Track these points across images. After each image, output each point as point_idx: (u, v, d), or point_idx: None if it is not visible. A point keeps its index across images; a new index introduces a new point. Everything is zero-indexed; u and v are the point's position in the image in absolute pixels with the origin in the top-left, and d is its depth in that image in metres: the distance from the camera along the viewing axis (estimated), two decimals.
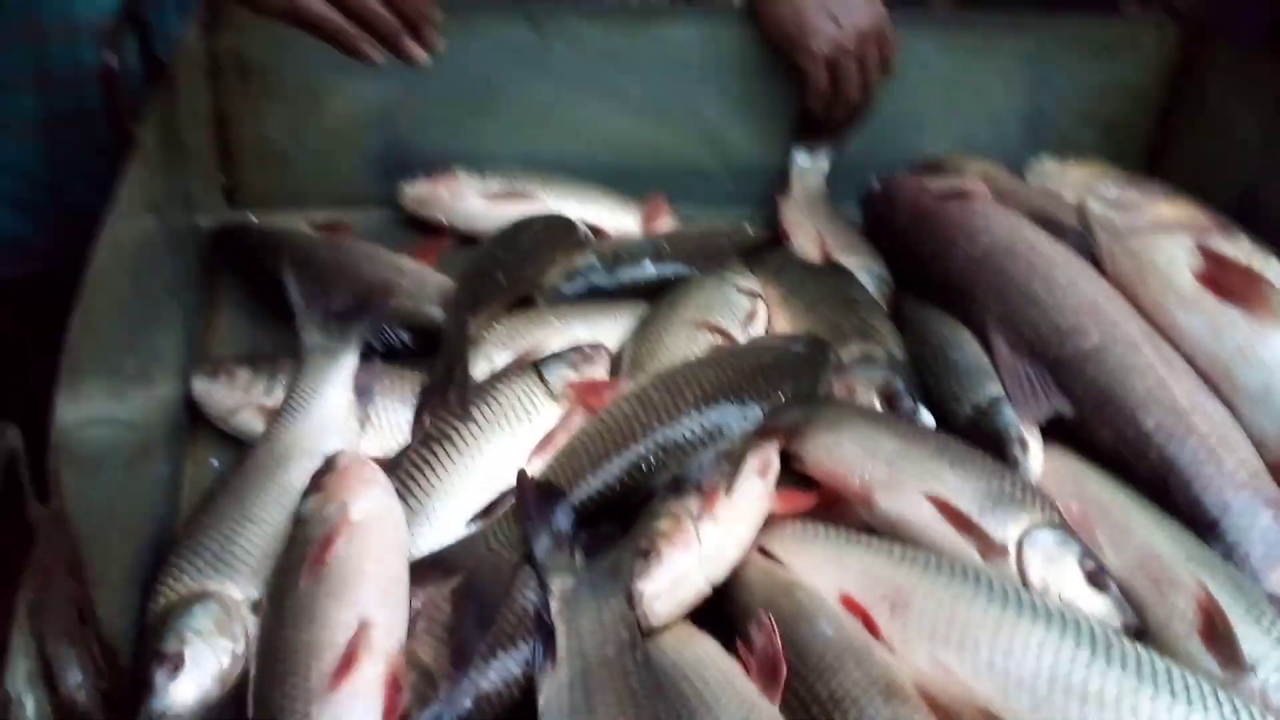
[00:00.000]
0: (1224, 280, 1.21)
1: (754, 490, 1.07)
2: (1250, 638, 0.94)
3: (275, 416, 1.15)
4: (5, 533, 0.74)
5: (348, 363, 1.20)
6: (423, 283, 1.37)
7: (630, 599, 0.94)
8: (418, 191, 1.56)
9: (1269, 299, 1.18)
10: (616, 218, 1.59)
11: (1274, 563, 1.05)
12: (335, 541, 0.92)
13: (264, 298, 1.41)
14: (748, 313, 1.36)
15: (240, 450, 1.17)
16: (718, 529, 1.01)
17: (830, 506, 1.14)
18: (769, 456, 1.12)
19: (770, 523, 1.09)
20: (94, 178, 1.37)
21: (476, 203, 1.54)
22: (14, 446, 0.75)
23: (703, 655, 0.95)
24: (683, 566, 0.97)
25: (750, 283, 1.42)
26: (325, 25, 1.10)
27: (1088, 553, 1.03)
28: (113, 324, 1.02)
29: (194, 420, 1.24)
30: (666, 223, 1.59)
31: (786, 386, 1.17)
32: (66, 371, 0.86)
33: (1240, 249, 1.24)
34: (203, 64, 1.46)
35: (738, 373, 1.16)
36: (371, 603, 0.89)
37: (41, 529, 0.78)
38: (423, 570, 0.98)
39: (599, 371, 1.20)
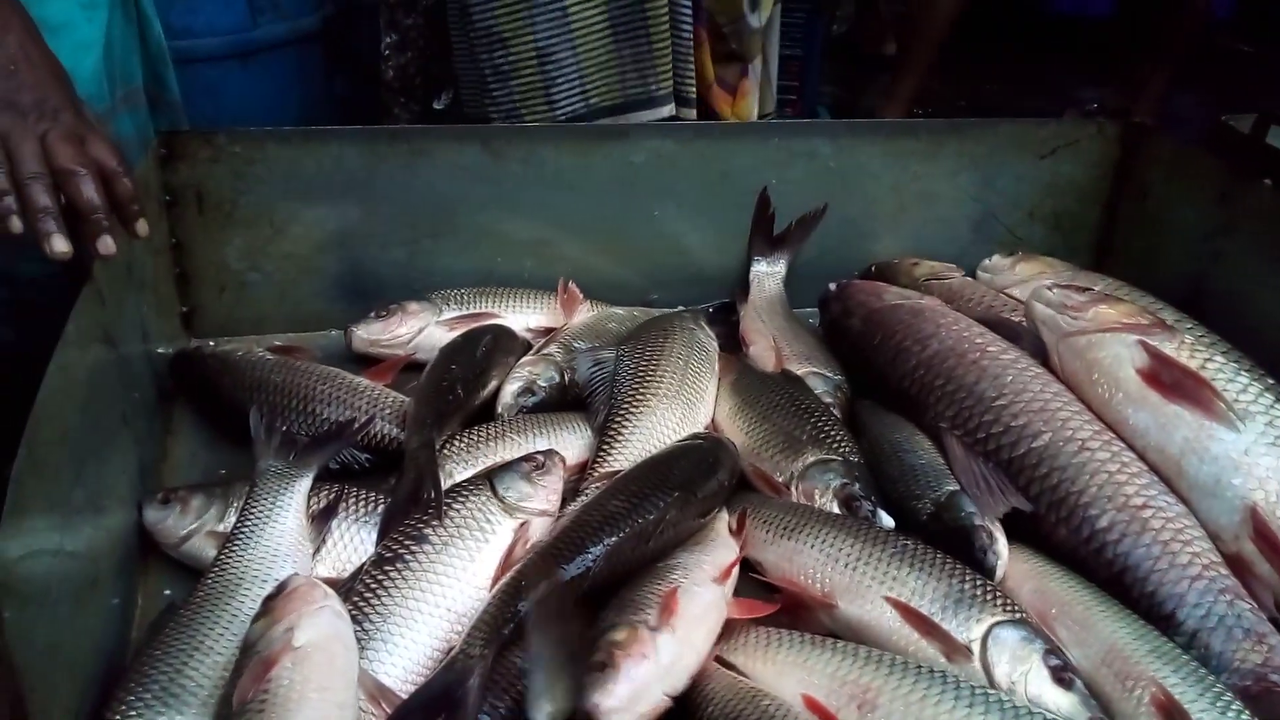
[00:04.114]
0: (1168, 379, 1.23)
1: (710, 597, 1.06)
2: None
3: (226, 543, 1.14)
4: None
5: (301, 487, 1.19)
6: (378, 402, 1.38)
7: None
8: (371, 333, 1.55)
9: (1213, 398, 1.19)
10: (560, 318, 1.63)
11: (1234, 644, 1.04)
12: (275, 666, 0.89)
13: (222, 423, 1.41)
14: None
15: (196, 579, 1.15)
16: (675, 638, 0.99)
17: (792, 613, 1.13)
18: (727, 563, 1.12)
19: (730, 631, 1.08)
20: None
21: (436, 331, 1.55)
22: None
23: None
24: (641, 678, 0.95)
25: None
26: None
27: (1052, 649, 1.02)
28: (60, 456, 1.01)
29: (147, 550, 1.22)
30: (583, 309, 1.62)
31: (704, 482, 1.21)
32: (10, 507, 0.85)
33: (1181, 346, 1.25)
34: (159, 195, 1.48)
35: (661, 477, 1.19)
36: None
37: None
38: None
39: (554, 480, 1.20)
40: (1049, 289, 1.37)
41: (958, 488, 1.22)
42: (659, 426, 1.33)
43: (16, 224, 1.05)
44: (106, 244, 1.09)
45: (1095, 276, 1.64)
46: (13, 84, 1.08)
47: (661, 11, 1.76)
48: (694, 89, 1.83)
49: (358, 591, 1.06)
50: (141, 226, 1.16)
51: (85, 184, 1.07)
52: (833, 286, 1.62)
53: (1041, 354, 1.35)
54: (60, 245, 1.05)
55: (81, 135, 1.10)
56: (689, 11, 1.78)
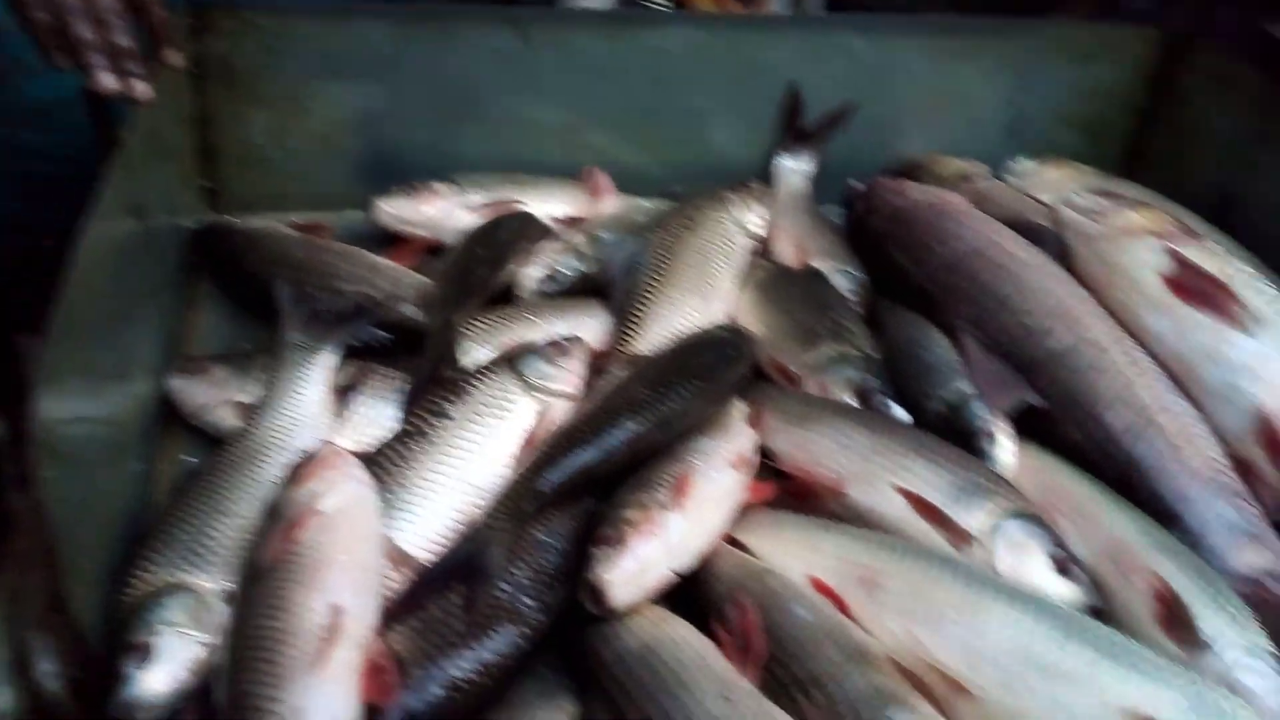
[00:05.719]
0: (1191, 285, 1.22)
1: (726, 483, 1.08)
2: (1208, 619, 0.96)
3: (250, 412, 1.16)
4: None
5: (326, 361, 1.21)
6: (399, 282, 1.38)
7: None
8: (395, 207, 1.52)
9: (1234, 304, 1.19)
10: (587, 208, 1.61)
11: (1235, 546, 1.06)
12: (302, 527, 0.92)
13: (243, 297, 1.43)
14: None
15: (213, 448, 1.17)
16: (686, 520, 1.01)
17: (802, 499, 1.15)
18: (746, 450, 1.14)
19: (740, 511, 1.10)
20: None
21: (462, 216, 1.53)
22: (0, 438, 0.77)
23: (676, 636, 0.95)
24: (648, 555, 0.98)
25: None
26: (29, 17, 1.07)
27: (1057, 542, 1.05)
28: (92, 323, 1.03)
29: (168, 418, 1.25)
30: (611, 200, 1.61)
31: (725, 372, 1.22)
32: (46, 368, 0.88)
33: (1207, 255, 1.25)
34: (187, 68, 1.47)
35: (682, 365, 1.21)
36: (342, 590, 0.90)
37: (19, 518, 0.79)
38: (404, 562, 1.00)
39: (576, 364, 1.21)
40: (1077, 194, 1.36)
41: (970, 390, 1.23)
42: (676, 313, 1.34)
43: (62, 60, 1.05)
44: (143, 89, 1.09)
45: (1124, 184, 1.62)
46: None
47: None
48: None
49: (379, 463, 1.08)
50: (171, 55, 1.15)
51: (120, 26, 1.07)
52: (857, 184, 1.60)
53: (1064, 258, 1.35)
54: (108, 82, 1.06)
55: None
56: None
